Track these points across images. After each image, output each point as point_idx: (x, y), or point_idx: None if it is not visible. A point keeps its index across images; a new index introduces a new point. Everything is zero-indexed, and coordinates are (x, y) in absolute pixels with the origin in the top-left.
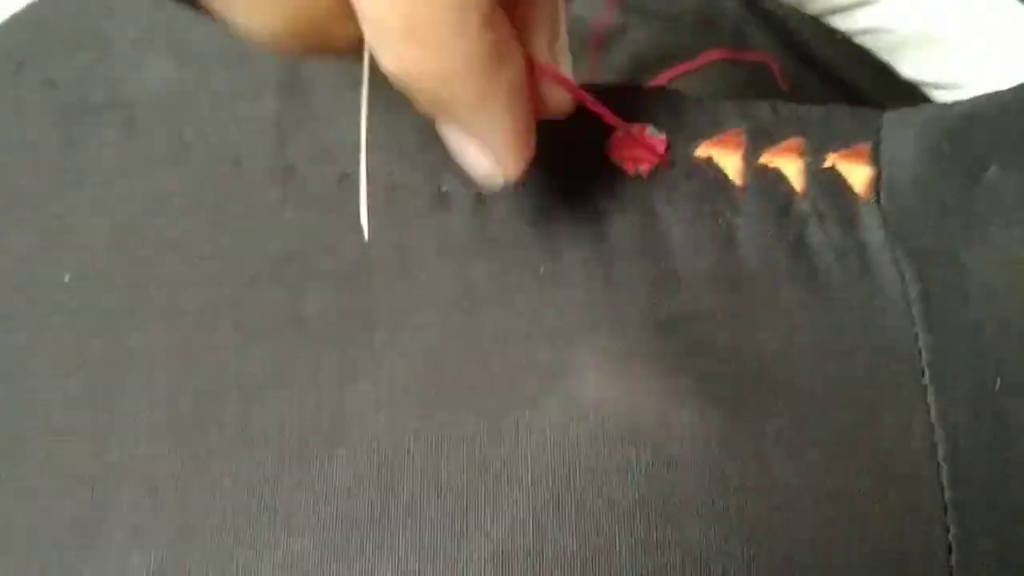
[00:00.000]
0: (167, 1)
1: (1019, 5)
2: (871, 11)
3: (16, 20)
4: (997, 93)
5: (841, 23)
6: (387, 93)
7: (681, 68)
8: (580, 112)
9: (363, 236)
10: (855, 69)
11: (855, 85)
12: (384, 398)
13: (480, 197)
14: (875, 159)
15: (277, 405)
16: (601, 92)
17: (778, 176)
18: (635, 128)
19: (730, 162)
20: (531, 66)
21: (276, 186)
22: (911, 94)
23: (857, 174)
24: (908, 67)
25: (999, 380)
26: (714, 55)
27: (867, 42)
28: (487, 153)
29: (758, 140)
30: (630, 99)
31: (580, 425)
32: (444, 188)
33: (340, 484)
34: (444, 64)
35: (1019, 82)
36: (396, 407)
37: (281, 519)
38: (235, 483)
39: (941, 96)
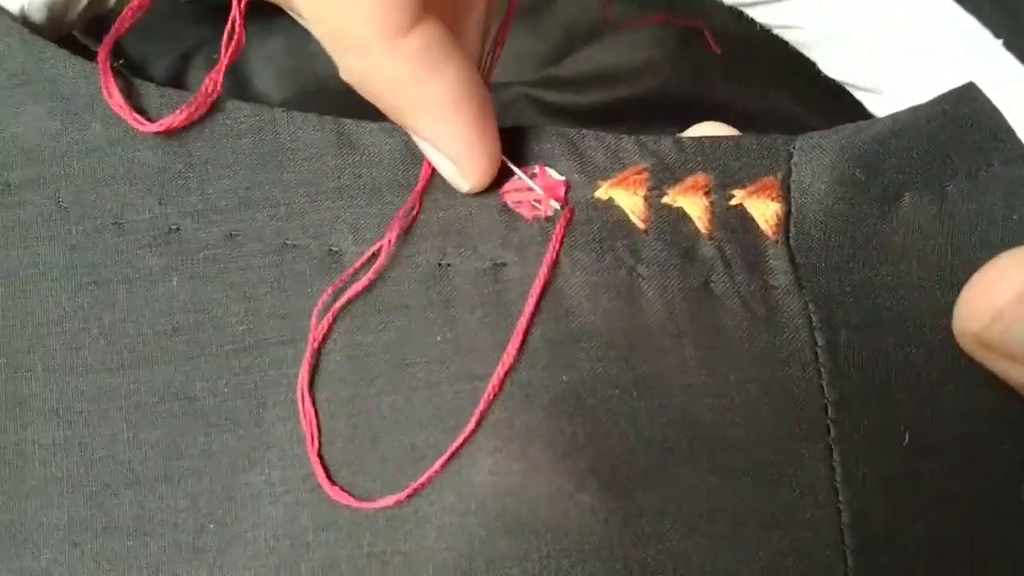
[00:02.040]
0: (38, 41)
1: (942, 7)
2: (784, 7)
3: None
4: (911, 111)
5: (757, 15)
6: (277, 145)
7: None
8: None
9: (253, 305)
10: None
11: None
12: (279, 487)
13: (373, 255)
14: (785, 193)
15: (170, 494)
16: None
17: (682, 217)
18: (534, 170)
19: (632, 203)
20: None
21: (160, 251)
22: None
23: (765, 211)
24: (827, 66)
25: (907, 435)
26: (653, 19)
27: (785, 36)
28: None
29: (661, 178)
30: (527, 139)
31: (478, 515)
32: (334, 247)
33: None
34: (377, 73)
35: (935, 94)
36: (292, 496)
37: None
38: None
39: (865, 98)
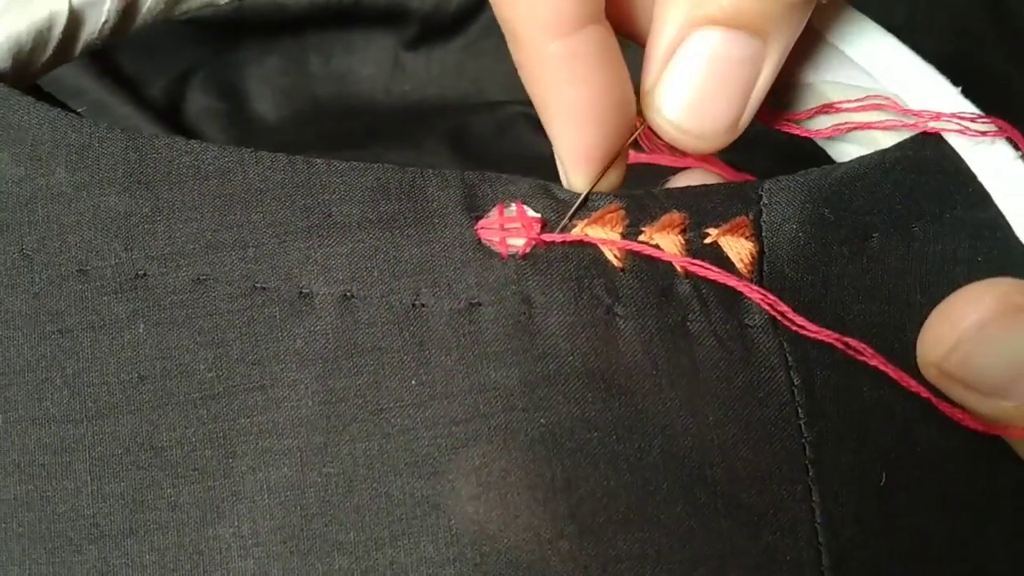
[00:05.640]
0: (1, 88)
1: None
2: None
3: None
4: (877, 153)
5: None
6: (245, 186)
7: None
8: (445, 190)
9: (221, 351)
10: None
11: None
12: (249, 540)
13: (345, 295)
14: (757, 232)
15: (136, 550)
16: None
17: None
18: (510, 206)
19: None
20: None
21: (126, 297)
22: None
23: (739, 249)
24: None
25: (884, 475)
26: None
27: None
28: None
29: (637, 216)
30: (502, 182)
31: (458, 565)
32: (305, 289)
33: None
34: (523, 66)
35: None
36: (262, 549)
37: None
38: None
39: (827, 146)
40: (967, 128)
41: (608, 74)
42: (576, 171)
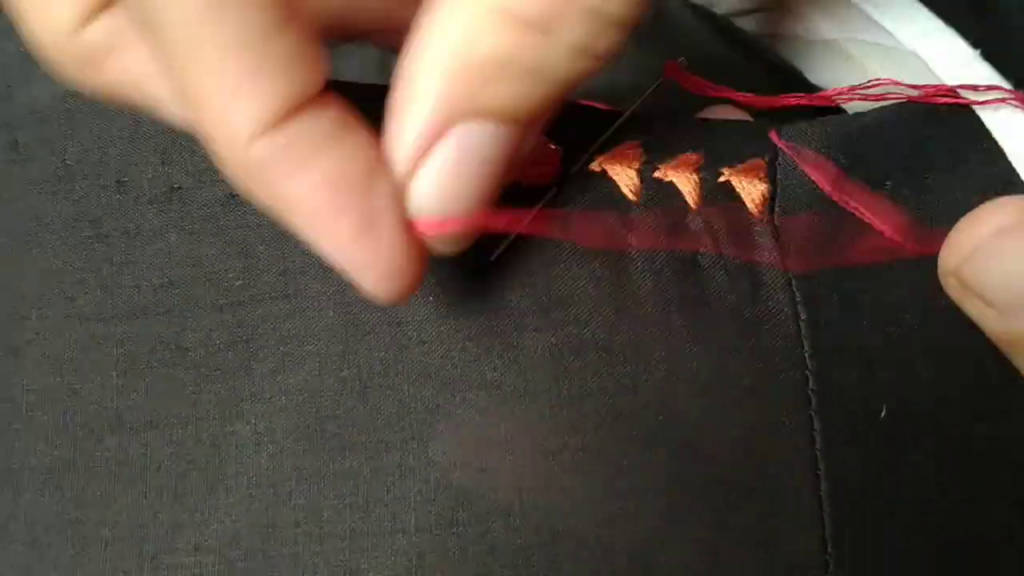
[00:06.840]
0: None
1: (923, 18)
2: (773, 16)
3: None
4: (895, 106)
5: (746, 24)
6: None
7: None
8: None
9: (250, 261)
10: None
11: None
12: (265, 436)
13: None
14: (772, 174)
15: (155, 441)
16: None
17: (672, 191)
18: None
19: (625, 176)
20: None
21: (160, 208)
22: None
23: (751, 191)
24: (813, 74)
25: (885, 408)
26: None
27: (774, 45)
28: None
29: (654, 153)
30: None
31: (464, 471)
32: None
33: (220, 529)
34: (231, 170)
35: None
36: (277, 445)
37: (161, 571)
38: (114, 530)
39: (848, 106)
40: (970, 99)
41: (341, 152)
42: (378, 269)
